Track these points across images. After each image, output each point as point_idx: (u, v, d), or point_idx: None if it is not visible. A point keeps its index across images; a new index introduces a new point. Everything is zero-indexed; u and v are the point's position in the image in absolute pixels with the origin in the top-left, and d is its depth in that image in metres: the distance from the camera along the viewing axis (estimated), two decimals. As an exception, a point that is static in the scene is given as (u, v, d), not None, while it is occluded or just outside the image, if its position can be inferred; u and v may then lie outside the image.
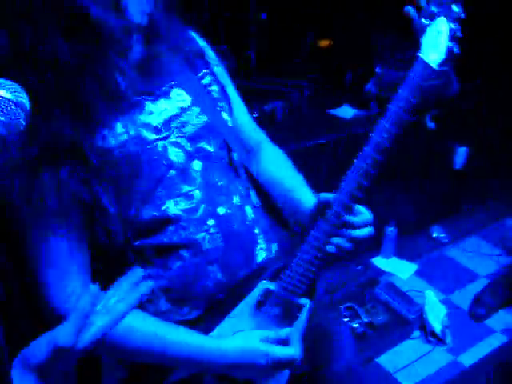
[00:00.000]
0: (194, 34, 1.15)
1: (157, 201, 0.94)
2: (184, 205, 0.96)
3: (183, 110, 1.00)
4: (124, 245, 0.95)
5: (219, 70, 1.16)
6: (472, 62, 2.23)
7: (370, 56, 2.55)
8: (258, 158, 1.22)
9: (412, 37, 0.99)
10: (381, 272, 2.58)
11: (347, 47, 2.70)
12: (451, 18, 0.95)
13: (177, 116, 0.99)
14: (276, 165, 1.21)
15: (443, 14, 0.95)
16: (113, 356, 1.04)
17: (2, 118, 0.56)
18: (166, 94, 1.00)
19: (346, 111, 2.52)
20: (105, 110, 0.91)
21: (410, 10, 0.96)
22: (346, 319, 2.22)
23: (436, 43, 0.95)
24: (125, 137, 0.93)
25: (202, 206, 0.98)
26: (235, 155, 1.08)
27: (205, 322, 0.99)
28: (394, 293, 2.35)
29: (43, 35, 0.83)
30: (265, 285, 1.00)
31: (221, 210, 0.99)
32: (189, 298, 0.98)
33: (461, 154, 2.75)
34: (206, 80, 1.09)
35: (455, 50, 0.97)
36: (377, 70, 2.49)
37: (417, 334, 2.26)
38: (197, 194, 0.98)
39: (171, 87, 1.01)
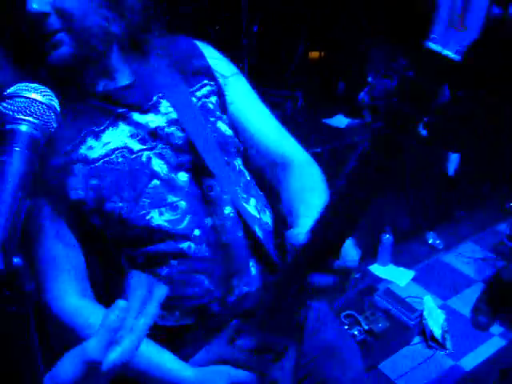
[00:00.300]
0: (202, 47, 1.13)
1: (140, 210, 0.94)
2: (169, 215, 0.96)
3: (170, 122, 1.01)
4: (117, 252, 0.96)
5: (232, 80, 1.13)
6: (463, 70, 2.26)
7: (362, 66, 2.58)
8: (283, 175, 1.10)
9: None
10: (379, 279, 2.59)
11: (339, 57, 2.74)
12: None
13: (163, 128, 1.00)
14: (297, 186, 1.06)
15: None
16: None
17: (37, 121, 0.56)
18: (154, 107, 1.01)
19: (340, 120, 2.55)
20: (91, 121, 0.93)
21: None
22: (345, 327, 2.22)
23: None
24: (110, 146, 0.94)
25: (188, 217, 0.97)
26: (237, 163, 1.08)
27: (197, 335, 0.98)
28: (392, 299, 2.36)
29: None
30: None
31: (208, 221, 0.99)
32: (179, 302, 0.97)
33: (453, 160, 2.79)
34: (203, 91, 1.09)
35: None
36: (369, 79, 2.53)
37: (417, 339, 2.27)
38: (182, 204, 0.97)
39: (159, 99, 1.02)
